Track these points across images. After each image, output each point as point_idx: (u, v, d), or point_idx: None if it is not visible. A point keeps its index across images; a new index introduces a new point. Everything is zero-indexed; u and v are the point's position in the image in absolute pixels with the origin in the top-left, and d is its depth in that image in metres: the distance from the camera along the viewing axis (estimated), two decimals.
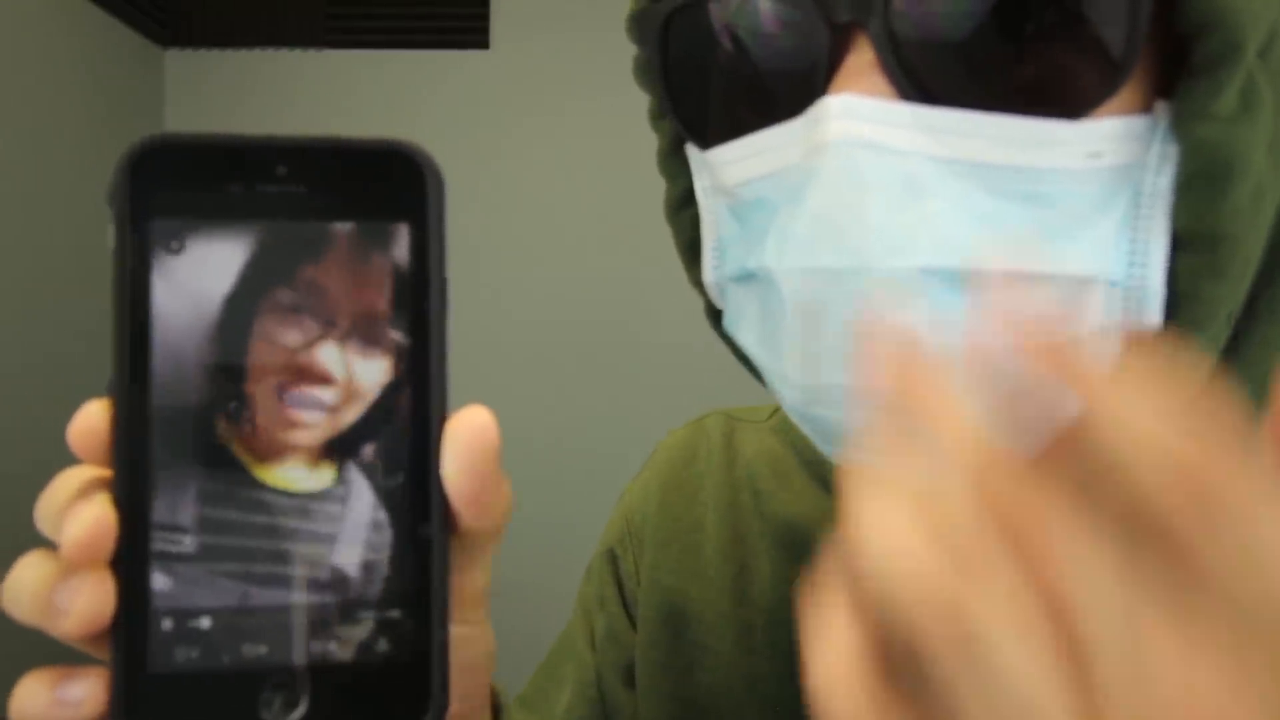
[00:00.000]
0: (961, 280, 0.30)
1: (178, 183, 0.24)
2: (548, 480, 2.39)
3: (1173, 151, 0.31)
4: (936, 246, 0.30)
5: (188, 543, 0.24)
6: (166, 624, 0.24)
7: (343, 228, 0.24)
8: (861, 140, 0.31)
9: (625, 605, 0.56)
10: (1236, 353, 0.35)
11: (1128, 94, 0.31)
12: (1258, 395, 0.36)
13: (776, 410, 0.56)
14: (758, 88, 0.36)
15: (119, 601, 0.23)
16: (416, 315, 0.25)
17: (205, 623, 0.24)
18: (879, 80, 0.32)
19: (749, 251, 0.36)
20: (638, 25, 0.40)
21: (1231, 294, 0.32)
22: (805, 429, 0.38)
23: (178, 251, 0.24)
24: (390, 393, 0.25)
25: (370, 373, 0.25)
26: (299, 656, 0.24)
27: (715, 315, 0.43)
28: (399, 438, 0.25)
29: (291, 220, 0.24)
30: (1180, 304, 0.31)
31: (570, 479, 2.37)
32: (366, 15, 2.45)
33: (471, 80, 2.48)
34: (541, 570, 2.08)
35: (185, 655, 0.24)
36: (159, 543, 0.24)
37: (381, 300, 0.25)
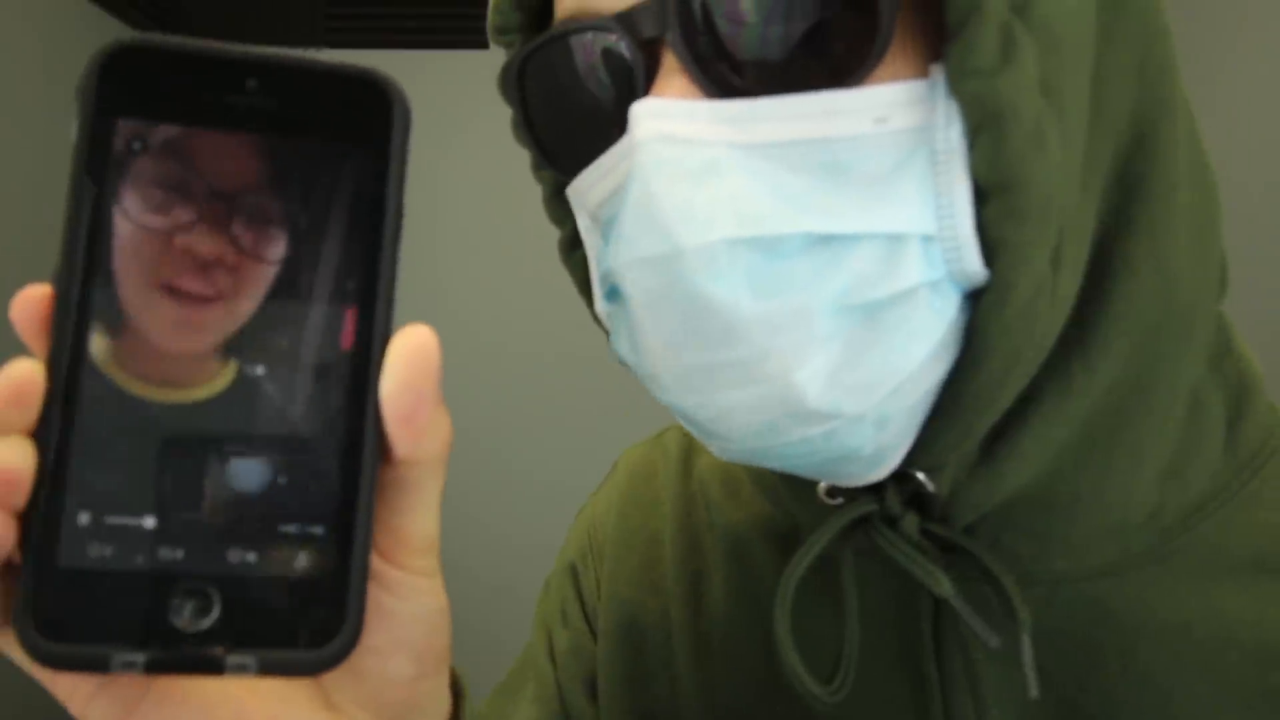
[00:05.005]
0: (768, 246, 0.33)
1: (147, 85, 0.24)
2: (541, 489, 2.38)
3: (955, 108, 0.33)
4: (739, 218, 0.32)
5: (111, 441, 0.24)
6: (82, 518, 0.23)
7: (304, 145, 0.25)
8: (665, 135, 0.34)
9: (587, 619, 0.56)
10: (1103, 306, 0.37)
11: (901, 61, 0.34)
12: (1135, 346, 0.38)
13: None
14: (598, 113, 0.39)
15: (34, 487, 0.23)
16: (371, 235, 0.25)
17: (120, 522, 0.23)
18: (684, 83, 0.35)
19: (603, 262, 0.38)
20: (501, 85, 0.42)
21: (1039, 236, 0.33)
22: (680, 421, 0.39)
23: (138, 152, 0.24)
24: (338, 306, 0.25)
25: (320, 284, 0.25)
26: (214, 565, 0.24)
27: None
28: (343, 353, 0.25)
29: (256, 133, 0.24)
30: (995, 251, 0.33)
31: (564, 488, 2.36)
32: (366, 15, 2.45)
33: (471, 80, 2.48)
34: (532, 578, 2.07)
35: (98, 552, 0.23)
36: (82, 438, 0.23)
37: (336, 216, 0.25)
